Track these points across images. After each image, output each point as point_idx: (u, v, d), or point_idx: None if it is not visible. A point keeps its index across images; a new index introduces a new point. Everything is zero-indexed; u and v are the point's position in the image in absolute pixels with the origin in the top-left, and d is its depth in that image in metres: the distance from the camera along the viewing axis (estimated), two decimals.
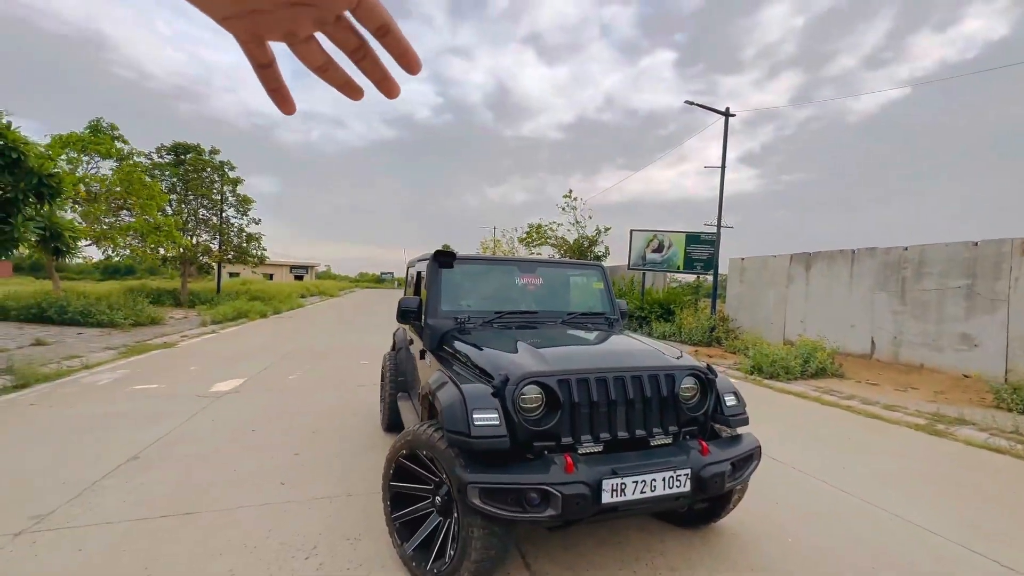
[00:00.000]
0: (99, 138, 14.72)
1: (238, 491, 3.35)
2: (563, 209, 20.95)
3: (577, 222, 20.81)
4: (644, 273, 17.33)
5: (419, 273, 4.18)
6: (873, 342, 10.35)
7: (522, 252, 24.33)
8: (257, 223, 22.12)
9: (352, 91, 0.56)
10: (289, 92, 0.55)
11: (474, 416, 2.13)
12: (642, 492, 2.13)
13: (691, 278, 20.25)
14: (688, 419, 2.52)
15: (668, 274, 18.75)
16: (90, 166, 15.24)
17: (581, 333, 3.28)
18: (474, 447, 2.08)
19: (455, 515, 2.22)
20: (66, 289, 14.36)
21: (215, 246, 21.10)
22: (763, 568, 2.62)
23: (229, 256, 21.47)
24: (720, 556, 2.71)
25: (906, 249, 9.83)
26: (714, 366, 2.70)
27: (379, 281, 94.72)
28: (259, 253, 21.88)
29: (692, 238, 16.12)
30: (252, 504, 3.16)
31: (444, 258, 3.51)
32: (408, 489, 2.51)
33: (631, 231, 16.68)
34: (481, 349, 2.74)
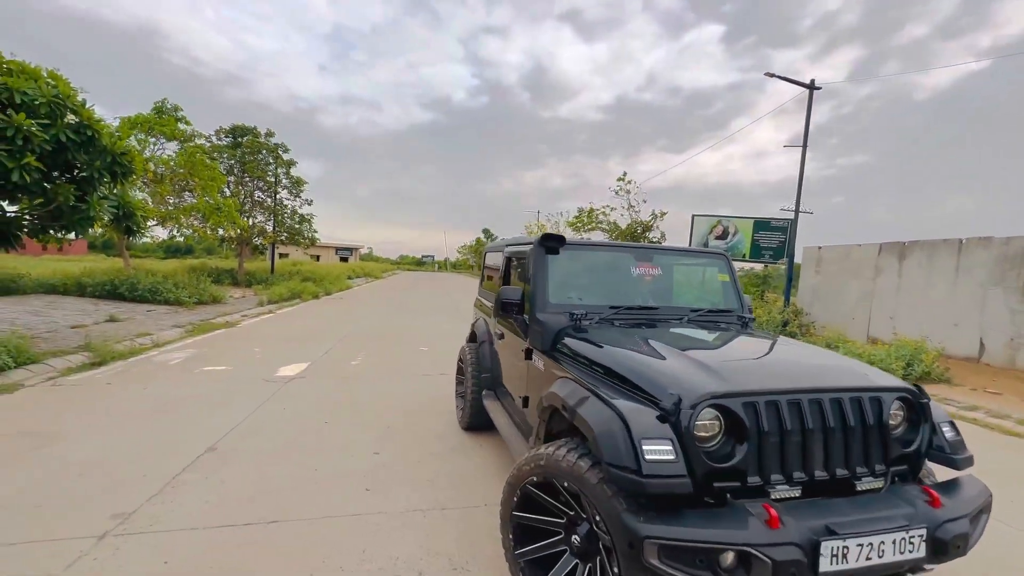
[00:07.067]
0: (164, 119, 15.08)
1: (322, 496, 3.05)
2: (616, 192, 20.05)
3: (631, 206, 19.89)
4: None
5: (510, 259, 3.72)
6: (983, 344, 9.19)
7: (571, 237, 23.62)
8: (309, 204, 22.45)
9: None
10: None
11: (644, 448, 1.66)
12: (867, 559, 1.61)
13: (757, 267, 19.00)
14: (898, 456, 1.96)
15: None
16: (156, 147, 15.69)
17: (731, 336, 2.73)
18: (646, 489, 1.61)
19: (606, 566, 1.77)
20: (135, 267, 14.95)
21: (269, 227, 21.57)
22: None
23: (282, 237, 21.93)
24: None
25: None
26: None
27: (419, 263, 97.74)
28: (311, 235, 22.23)
29: (761, 224, 14.99)
30: (340, 514, 2.84)
31: (551, 242, 3.03)
32: (536, 522, 2.09)
33: (693, 216, 15.72)
34: (619, 355, 2.25)
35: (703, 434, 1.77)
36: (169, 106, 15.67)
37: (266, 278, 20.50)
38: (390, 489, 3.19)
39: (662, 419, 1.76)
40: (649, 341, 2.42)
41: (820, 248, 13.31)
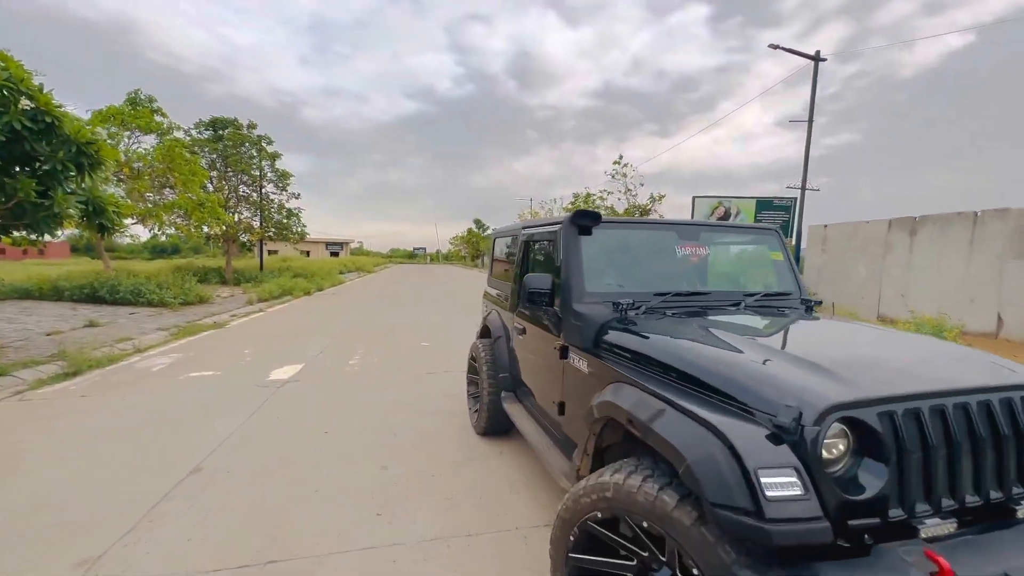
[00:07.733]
0: (138, 111, 14.31)
1: (327, 525, 2.62)
2: (612, 176, 19.60)
3: (628, 190, 19.46)
4: None
5: (529, 243, 3.27)
6: (1000, 318, 8.93)
7: None
8: (297, 198, 21.72)
9: None
10: None
11: (763, 481, 1.23)
12: None
13: None
14: None
15: None
16: (131, 141, 14.92)
17: (807, 324, 2.32)
18: (774, 540, 1.19)
19: None
20: (117, 269, 14.28)
21: (256, 223, 20.85)
22: None
23: (270, 233, 21.22)
24: None
25: None
26: None
27: (411, 256, 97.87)
28: (300, 229, 21.55)
29: (763, 204, 14.70)
30: (349, 548, 2.42)
31: (584, 220, 2.59)
32: (601, 566, 1.67)
33: (693, 198, 15.36)
34: (691, 352, 1.82)
35: (828, 456, 1.35)
36: (143, 97, 14.88)
37: (255, 275, 19.85)
38: (405, 512, 2.77)
39: (774, 439, 1.34)
40: (715, 332, 2.00)
41: (826, 226, 13.00)
